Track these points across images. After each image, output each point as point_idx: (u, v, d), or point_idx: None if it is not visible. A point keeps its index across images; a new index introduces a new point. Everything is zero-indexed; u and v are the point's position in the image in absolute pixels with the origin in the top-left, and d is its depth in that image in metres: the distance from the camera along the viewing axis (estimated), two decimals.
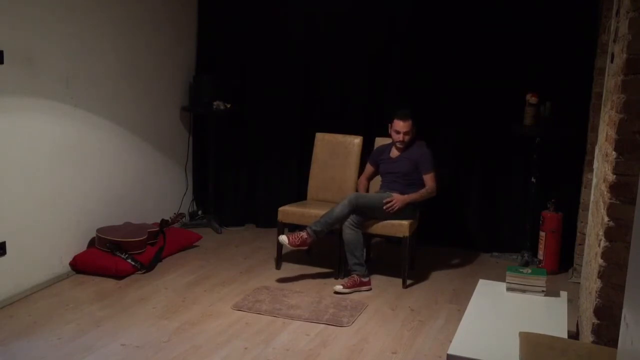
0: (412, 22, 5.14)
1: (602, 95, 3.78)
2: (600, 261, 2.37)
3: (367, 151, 4.83)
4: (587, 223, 3.83)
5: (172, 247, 4.77)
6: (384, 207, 4.28)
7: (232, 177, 5.74)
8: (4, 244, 3.78)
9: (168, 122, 5.40)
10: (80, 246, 4.44)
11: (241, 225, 5.74)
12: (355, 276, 4.23)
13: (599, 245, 2.46)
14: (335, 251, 4.52)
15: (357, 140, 4.88)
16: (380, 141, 4.80)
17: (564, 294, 3.40)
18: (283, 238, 4.28)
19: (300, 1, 5.39)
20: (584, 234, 4.06)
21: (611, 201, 2.33)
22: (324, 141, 4.97)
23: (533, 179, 4.82)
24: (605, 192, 2.42)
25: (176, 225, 5.22)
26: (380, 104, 5.26)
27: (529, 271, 3.45)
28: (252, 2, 5.49)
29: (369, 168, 4.72)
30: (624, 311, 1.44)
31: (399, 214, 4.30)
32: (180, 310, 3.80)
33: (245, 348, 3.31)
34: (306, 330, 3.56)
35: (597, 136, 3.85)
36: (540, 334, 2.45)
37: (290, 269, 4.63)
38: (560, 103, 4.69)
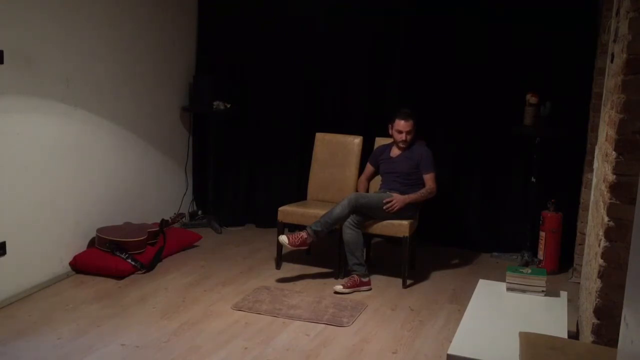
0: (412, 22, 5.14)
1: (602, 95, 3.78)
2: (600, 261, 2.37)
3: (367, 151, 4.83)
4: (587, 223, 3.83)
5: (172, 247, 4.77)
6: (384, 207, 4.28)
7: (232, 177, 5.74)
8: (4, 244, 3.78)
9: (168, 122, 5.40)
10: (80, 246, 4.44)
11: (241, 225, 5.74)
12: (355, 276, 4.22)
13: (599, 245, 2.46)
14: (335, 251, 4.52)
15: (357, 140, 4.88)
16: (380, 141, 4.80)
17: (564, 294, 3.40)
18: (283, 238, 4.28)
19: (301, 1, 5.39)
20: (584, 234, 4.06)
21: (611, 201, 2.33)
22: (324, 141, 4.98)
23: (533, 179, 4.82)
24: (605, 192, 2.42)
25: (176, 225, 5.22)
26: (381, 104, 5.26)
27: (529, 271, 3.45)
28: (252, 2, 5.49)
29: (369, 168, 4.72)
30: (624, 311, 1.44)
31: (399, 214, 4.30)
32: (180, 310, 3.80)
33: (245, 348, 3.31)
34: (306, 330, 3.56)
35: (597, 136, 3.85)
36: (540, 334, 2.45)
37: (290, 269, 4.63)
38: (560, 103, 4.69)
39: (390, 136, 4.57)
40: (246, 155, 5.69)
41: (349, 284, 4.18)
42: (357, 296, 4.13)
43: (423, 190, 4.41)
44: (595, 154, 3.59)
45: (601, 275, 2.36)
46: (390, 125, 4.53)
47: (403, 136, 4.46)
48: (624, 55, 2.31)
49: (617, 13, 2.94)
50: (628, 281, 1.44)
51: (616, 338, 1.58)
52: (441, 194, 4.60)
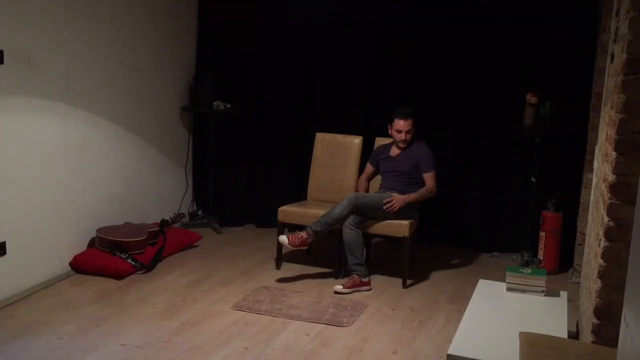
0: (412, 22, 5.14)
1: (602, 95, 3.78)
2: (600, 261, 2.37)
3: (367, 151, 4.84)
4: (587, 223, 3.83)
5: (172, 247, 4.77)
6: (384, 207, 4.28)
7: (232, 177, 5.75)
8: (4, 244, 3.78)
9: (168, 122, 5.40)
10: (80, 246, 4.44)
11: (241, 225, 5.74)
12: (355, 276, 4.22)
13: (599, 245, 2.45)
14: (335, 251, 4.52)
15: (357, 140, 4.88)
16: (380, 141, 4.81)
17: (564, 294, 3.40)
18: (283, 238, 4.28)
19: (301, 1, 5.39)
20: (584, 234, 4.06)
21: (611, 201, 2.33)
22: (324, 141, 4.98)
23: (533, 179, 4.82)
24: (605, 192, 2.42)
25: (176, 225, 5.22)
26: (380, 104, 5.26)
27: (529, 271, 3.45)
28: (253, 2, 5.49)
29: (369, 168, 4.72)
30: (624, 311, 1.44)
31: (399, 214, 4.30)
32: (180, 310, 3.80)
33: (245, 348, 3.31)
34: (306, 330, 3.56)
35: (597, 136, 3.85)
36: (540, 334, 2.45)
37: (290, 269, 4.63)
38: (560, 103, 4.69)
39: (390, 136, 4.57)
40: (246, 155, 5.69)
41: (349, 284, 4.18)
42: (357, 296, 4.13)
43: (423, 190, 4.41)
44: (595, 154, 3.59)
45: (601, 275, 2.36)
46: (389, 126, 4.53)
47: (402, 135, 4.46)
48: (624, 55, 2.31)
49: (617, 13, 2.94)
50: (628, 281, 1.44)
51: (616, 338, 1.58)
52: (441, 194, 4.60)
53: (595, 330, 2.39)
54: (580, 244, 4.40)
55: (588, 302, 2.81)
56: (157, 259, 4.55)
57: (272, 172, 5.66)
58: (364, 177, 4.74)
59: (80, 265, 4.32)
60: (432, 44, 5.10)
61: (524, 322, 2.89)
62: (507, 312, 3.17)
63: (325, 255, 4.81)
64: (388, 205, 4.28)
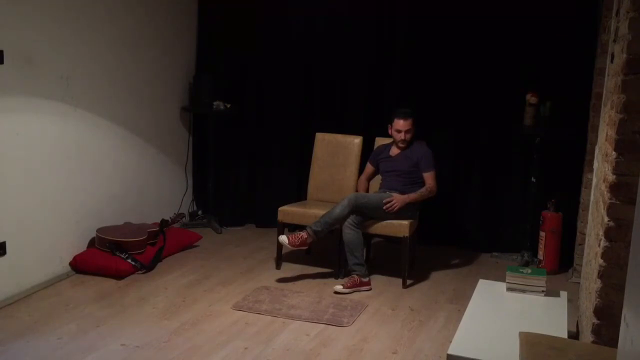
0: (412, 22, 5.14)
1: (602, 95, 3.78)
2: (600, 261, 2.37)
3: (367, 151, 4.84)
4: (587, 223, 3.83)
5: (172, 247, 4.77)
6: (384, 207, 4.28)
7: (232, 177, 5.75)
8: (4, 244, 3.78)
9: (168, 122, 5.40)
10: (80, 246, 4.44)
11: (241, 225, 5.74)
12: (355, 276, 4.22)
13: (599, 245, 2.45)
14: (335, 251, 4.52)
15: (357, 140, 4.88)
16: (380, 141, 4.81)
17: (564, 294, 3.40)
18: (283, 238, 4.28)
19: (301, 1, 5.39)
20: (584, 234, 4.06)
21: (611, 201, 2.33)
22: (324, 141, 4.98)
23: (533, 179, 4.82)
24: (605, 192, 2.42)
25: (176, 225, 5.22)
26: (380, 104, 5.26)
27: (529, 271, 3.45)
28: (253, 2, 5.48)
29: (369, 168, 4.73)
30: (624, 311, 1.44)
31: (399, 214, 4.30)
32: (180, 310, 3.80)
33: (245, 348, 3.31)
34: (306, 330, 3.56)
35: (597, 136, 3.85)
36: (540, 334, 2.45)
37: (290, 269, 4.63)
38: (560, 103, 4.69)
39: (390, 136, 4.57)
40: (246, 155, 5.69)
41: (349, 284, 4.18)
42: (357, 296, 4.13)
43: (423, 190, 4.41)
44: (595, 154, 3.59)
45: (601, 275, 2.36)
46: (389, 126, 4.53)
47: (402, 135, 4.46)
48: (624, 55, 2.31)
49: (617, 13, 2.94)
50: (628, 281, 1.44)
51: (616, 338, 1.58)
52: (441, 194, 4.60)
53: (595, 330, 2.39)
54: (580, 244, 4.40)
55: (588, 302, 2.81)
56: (157, 259, 4.55)
57: (272, 172, 5.66)
58: (364, 177, 4.74)
59: (80, 265, 4.32)
60: (432, 44, 5.10)
61: (524, 322, 2.89)
62: (507, 312, 3.17)
63: (325, 255, 4.81)
64: (388, 205, 4.28)
